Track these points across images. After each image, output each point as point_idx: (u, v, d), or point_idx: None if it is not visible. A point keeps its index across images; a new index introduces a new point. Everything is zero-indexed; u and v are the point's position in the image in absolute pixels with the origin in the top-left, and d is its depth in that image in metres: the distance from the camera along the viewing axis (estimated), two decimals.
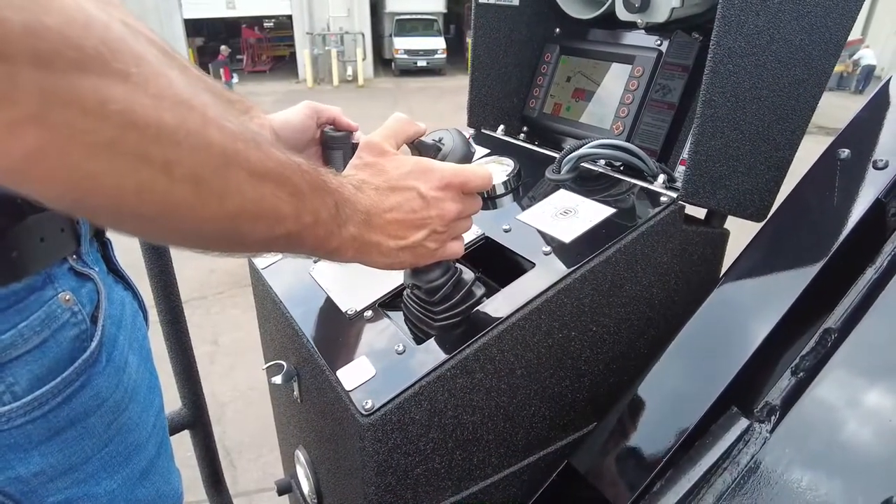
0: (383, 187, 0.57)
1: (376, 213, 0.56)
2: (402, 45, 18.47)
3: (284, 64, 20.76)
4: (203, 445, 1.16)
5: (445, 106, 13.07)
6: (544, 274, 0.73)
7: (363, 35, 18.17)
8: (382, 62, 20.62)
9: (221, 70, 15.07)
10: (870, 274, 0.76)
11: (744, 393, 0.74)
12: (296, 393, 0.88)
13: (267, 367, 0.86)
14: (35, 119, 0.30)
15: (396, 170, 0.58)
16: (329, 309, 0.81)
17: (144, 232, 0.43)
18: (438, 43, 18.76)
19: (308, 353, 0.77)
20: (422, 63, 18.54)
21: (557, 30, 1.14)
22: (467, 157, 0.66)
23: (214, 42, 22.36)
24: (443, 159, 0.65)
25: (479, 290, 0.72)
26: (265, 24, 21.65)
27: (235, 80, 15.43)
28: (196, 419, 1.11)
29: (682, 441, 0.72)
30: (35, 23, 0.28)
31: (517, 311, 0.70)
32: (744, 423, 0.72)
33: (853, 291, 0.76)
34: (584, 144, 0.89)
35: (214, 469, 1.21)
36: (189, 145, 0.37)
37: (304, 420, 0.89)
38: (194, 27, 19.70)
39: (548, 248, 0.76)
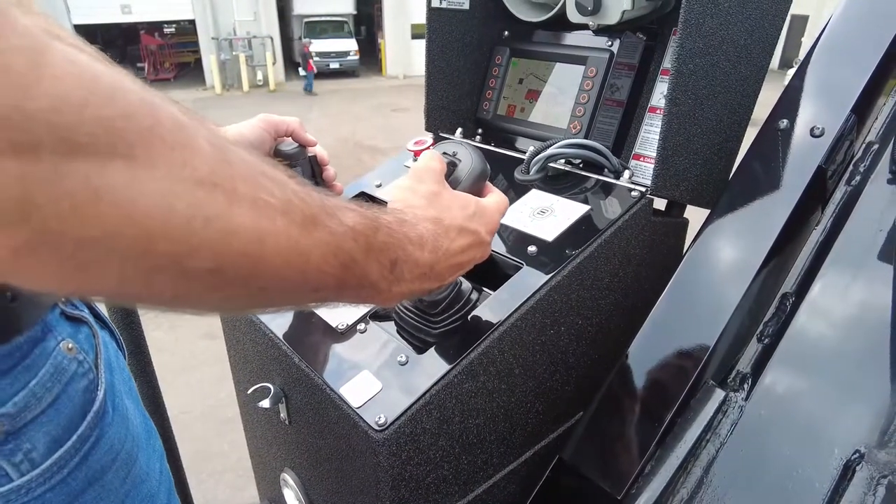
0: (453, 227, 0.54)
1: (440, 261, 0.52)
2: (313, 47, 18.13)
3: (190, 71, 19.83)
4: (173, 476, 1.10)
5: (361, 107, 12.93)
6: (535, 273, 0.75)
7: (272, 38, 17.68)
8: (294, 66, 20.14)
9: (306, 62, 15.28)
10: (815, 236, 0.83)
11: (716, 365, 0.78)
12: (283, 415, 0.85)
13: (252, 392, 0.83)
14: (18, 215, 0.26)
15: (462, 210, 0.55)
16: (316, 325, 0.80)
17: (157, 309, 0.38)
18: (350, 45, 18.55)
19: (300, 372, 0.75)
20: (334, 65, 18.28)
21: (506, 33, 1.17)
22: (484, 175, 0.63)
23: (111, 50, 20.98)
24: (457, 182, 0.61)
25: (474, 295, 0.73)
26: (166, 30, 20.58)
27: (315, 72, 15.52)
28: (165, 450, 1.05)
29: (665, 420, 0.76)
30: (10, 112, 0.24)
31: (515, 311, 0.71)
32: (720, 394, 0.76)
33: (803, 254, 0.82)
34: (551, 144, 0.92)
35: (186, 500, 1.15)
36: (208, 234, 0.31)
37: (294, 442, 0.87)
38: (87, 33, 18.28)
39: (534, 248, 0.79)
